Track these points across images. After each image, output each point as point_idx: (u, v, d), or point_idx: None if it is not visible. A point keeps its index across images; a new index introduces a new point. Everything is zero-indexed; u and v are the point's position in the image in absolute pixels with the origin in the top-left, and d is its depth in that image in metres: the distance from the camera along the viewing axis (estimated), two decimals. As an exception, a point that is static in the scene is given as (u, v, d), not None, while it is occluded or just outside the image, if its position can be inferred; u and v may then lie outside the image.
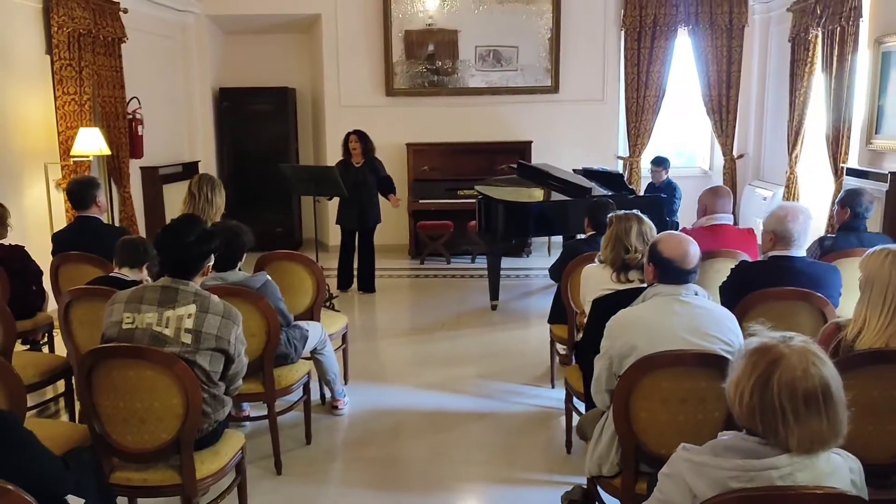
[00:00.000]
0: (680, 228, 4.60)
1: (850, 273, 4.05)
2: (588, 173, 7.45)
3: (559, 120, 9.19)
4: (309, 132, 9.86)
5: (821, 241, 4.29)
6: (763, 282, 3.32)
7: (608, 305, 3.11)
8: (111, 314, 2.65)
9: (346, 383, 4.74)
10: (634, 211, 3.40)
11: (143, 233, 7.64)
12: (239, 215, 9.08)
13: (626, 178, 7.17)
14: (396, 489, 3.50)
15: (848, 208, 4.22)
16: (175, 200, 8.35)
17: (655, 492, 1.71)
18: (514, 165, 7.48)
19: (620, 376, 2.48)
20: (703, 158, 9.90)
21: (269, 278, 3.65)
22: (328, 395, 4.41)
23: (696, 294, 2.57)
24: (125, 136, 7.26)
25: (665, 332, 2.48)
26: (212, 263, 2.82)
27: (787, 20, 8.04)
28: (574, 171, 7.63)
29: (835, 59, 6.89)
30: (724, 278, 3.57)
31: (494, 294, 6.63)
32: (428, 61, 9.09)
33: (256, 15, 9.02)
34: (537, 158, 9.02)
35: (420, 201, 8.80)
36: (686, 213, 8.30)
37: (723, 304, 3.57)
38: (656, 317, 2.53)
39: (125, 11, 7.18)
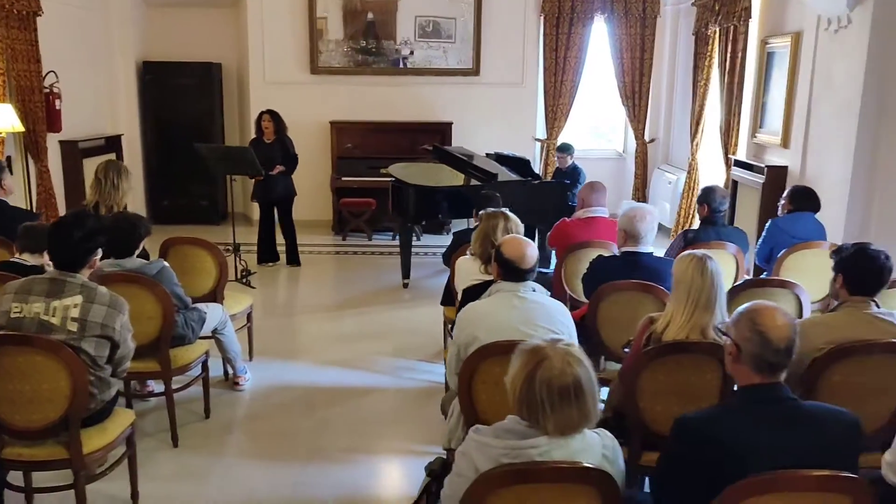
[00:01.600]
0: (560, 220, 4.94)
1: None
2: (500, 158, 7.79)
3: (479, 102, 9.49)
4: (235, 108, 9.93)
5: (685, 234, 4.71)
6: (615, 274, 3.72)
7: (475, 294, 3.46)
8: (0, 304, 2.87)
9: (250, 360, 5.02)
10: (503, 209, 3.73)
11: (61, 206, 7.71)
12: (163, 189, 9.43)
13: (531, 163, 7.51)
14: (282, 459, 3.81)
15: (705, 204, 4.65)
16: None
17: (454, 466, 2.06)
18: (430, 148, 7.75)
19: (464, 362, 2.82)
20: (618, 142, 10.34)
21: (166, 265, 3.88)
22: (231, 371, 4.67)
23: (533, 290, 2.93)
24: (42, 110, 7.27)
25: (503, 324, 2.82)
26: (99, 256, 3.05)
27: (693, 14, 8.46)
28: (487, 154, 7.95)
29: (728, 55, 7.34)
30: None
31: (406, 272, 6.95)
32: (353, 40, 9.25)
33: (180, -12, 9.03)
34: (458, 139, 9.33)
35: (343, 178, 9.02)
36: None
37: (584, 292, 3.98)
38: (497, 310, 2.87)
39: (40, -16, 7.15)
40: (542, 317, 2.87)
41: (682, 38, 9.23)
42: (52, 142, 7.68)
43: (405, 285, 6.93)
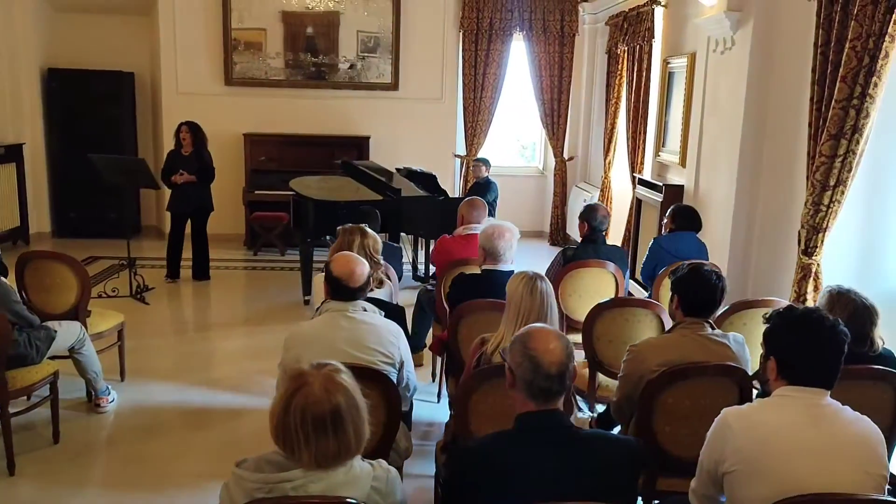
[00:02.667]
0: (440, 237, 4.86)
1: (583, 281, 4.47)
2: (410, 173, 7.71)
3: (399, 117, 9.41)
4: (149, 118, 9.67)
5: (563, 251, 4.68)
6: (477, 292, 3.64)
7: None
8: None
9: (122, 380, 4.81)
10: (361, 225, 3.63)
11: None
12: (70, 201, 9.07)
13: (438, 179, 7.46)
14: (127, 487, 3.62)
15: (586, 222, 4.62)
16: (-7, 181, 8.11)
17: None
18: (339, 162, 7.63)
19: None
20: (539, 159, 10.36)
21: (4, 282, 3.68)
22: (93, 392, 4.45)
23: (364, 310, 2.82)
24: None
25: (329, 345, 2.71)
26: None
27: (608, 33, 8.53)
28: (397, 169, 7.87)
29: (635, 74, 7.40)
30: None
31: (307, 288, 6.78)
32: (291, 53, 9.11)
33: (88, -7, 8.78)
34: (377, 154, 9.24)
35: (255, 192, 8.83)
36: (510, 209, 8.76)
37: (449, 309, 3.89)
38: (323, 331, 2.76)
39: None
40: (371, 338, 2.76)
41: (599, 56, 9.30)
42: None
43: (306, 302, 6.77)
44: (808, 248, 4.19)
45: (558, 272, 4.57)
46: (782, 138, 4.81)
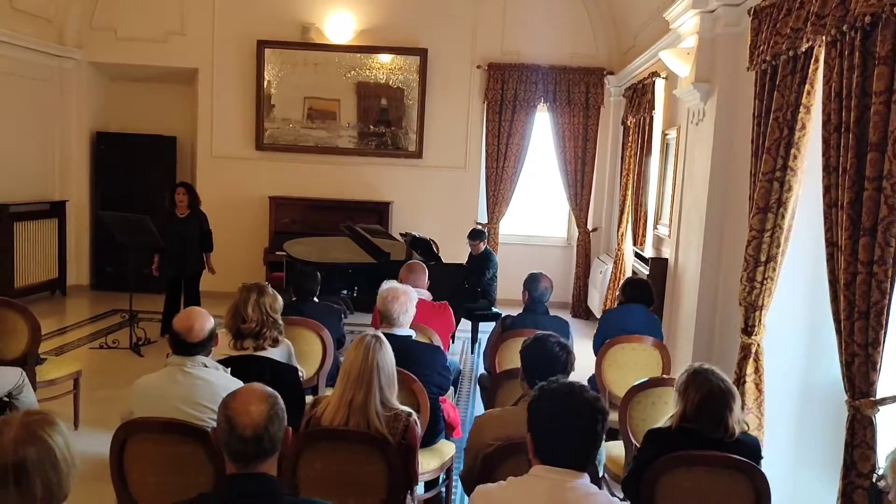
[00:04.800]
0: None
1: (517, 350, 4.34)
2: (414, 239, 7.77)
3: (422, 184, 9.56)
4: (187, 179, 10.13)
5: (503, 319, 4.59)
6: (372, 357, 3.59)
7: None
8: None
9: (76, 428, 4.94)
10: (261, 283, 3.67)
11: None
12: (108, 256, 9.52)
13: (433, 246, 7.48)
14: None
15: (527, 292, 4.52)
16: (34, 236, 8.67)
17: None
18: (342, 226, 7.78)
19: (113, 436, 2.72)
20: (564, 230, 10.24)
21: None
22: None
23: (204, 366, 2.83)
24: (-32, 173, 7.54)
25: (161, 400, 2.73)
26: None
27: (626, 105, 8.48)
28: (401, 234, 7.96)
29: (640, 146, 7.29)
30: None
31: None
32: (299, 122, 9.48)
33: (139, 65, 9.41)
34: (399, 219, 9.41)
35: (277, 253, 9.06)
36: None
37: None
38: (159, 385, 2.78)
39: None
40: (205, 395, 2.76)
41: (619, 128, 9.21)
42: (-18, 203, 7.94)
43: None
44: (748, 326, 3.96)
45: (496, 340, 4.47)
46: (741, 212, 4.61)
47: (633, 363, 4.35)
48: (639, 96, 7.35)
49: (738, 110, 4.74)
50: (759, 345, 3.95)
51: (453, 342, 7.77)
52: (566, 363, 2.72)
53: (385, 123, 9.49)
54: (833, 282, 2.92)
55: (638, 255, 6.68)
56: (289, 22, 9.32)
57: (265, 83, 9.39)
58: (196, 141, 9.78)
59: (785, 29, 3.43)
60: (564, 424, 1.92)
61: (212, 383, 2.81)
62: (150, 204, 9.21)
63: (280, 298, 3.69)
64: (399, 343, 3.60)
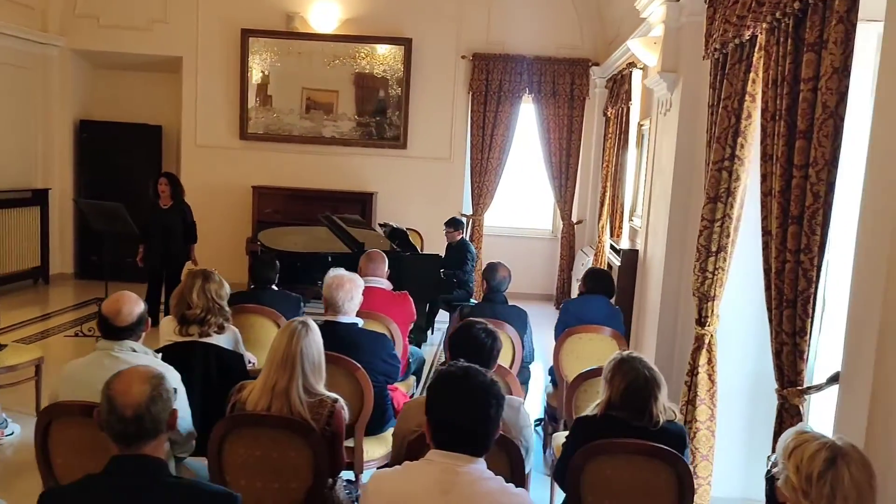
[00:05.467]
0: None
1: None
2: (393, 230, 7.76)
3: (406, 174, 9.53)
4: (172, 169, 10.13)
5: (461, 309, 4.57)
6: (317, 344, 3.58)
7: (166, 356, 3.37)
8: None
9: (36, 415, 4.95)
10: (207, 269, 3.66)
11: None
12: (93, 245, 9.54)
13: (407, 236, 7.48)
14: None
15: (485, 281, 4.51)
16: (15, 224, 8.68)
17: None
18: (322, 217, 7.76)
19: (37, 418, 2.72)
20: (548, 221, 10.21)
21: None
22: (-3, 424, 4.61)
23: (133, 351, 2.82)
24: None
25: (86, 384, 2.71)
26: None
27: (609, 96, 8.44)
28: (381, 225, 7.95)
29: (617, 137, 7.25)
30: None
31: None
32: (297, 113, 9.46)
33: (123, 53, 9.40)
34: (383, 209, 9.41)
35: (258, 242, 9.05)
36: (519, 272, 8.69)
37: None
38: (85, 369, 2.78)
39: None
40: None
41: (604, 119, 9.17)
42: (-38, 191, 7.95)
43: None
44: (702, 317, 3.93)
45: (453, 331, 4.45)
46: (700, 202, 4.58)
47: (589, 353, 4.34)
48: (617, 87, 7.32)
49: (701, 100, 4.69)
50: (712, 335, 3.93)
51: (432, 333, 7.77)
52: (492, 349, 2.71)
53: (380, 113, 9.46)
54: (767, 270, 2.90)
55: (612, 247, 6.65)
56: (274, 11, 9.29)
57: (259, 74, 9.35)
58: (180, 130, 9.77)
59: (732, 17, 3.40)
60: (457, 408, 1.90)
61: (140, 367, 2.79)
62: (134, 193, 9.21)
63: (227, 285, 3.69)
64: (343, 331, 3.61)
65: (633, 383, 2.59)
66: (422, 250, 8.67)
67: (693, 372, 3.96)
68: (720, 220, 3.65)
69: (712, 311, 3.87)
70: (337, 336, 3.55)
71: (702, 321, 3.93)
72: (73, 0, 9.24)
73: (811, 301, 2.62)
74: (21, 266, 8.90)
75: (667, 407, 2.66)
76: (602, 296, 4.61)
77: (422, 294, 6.99)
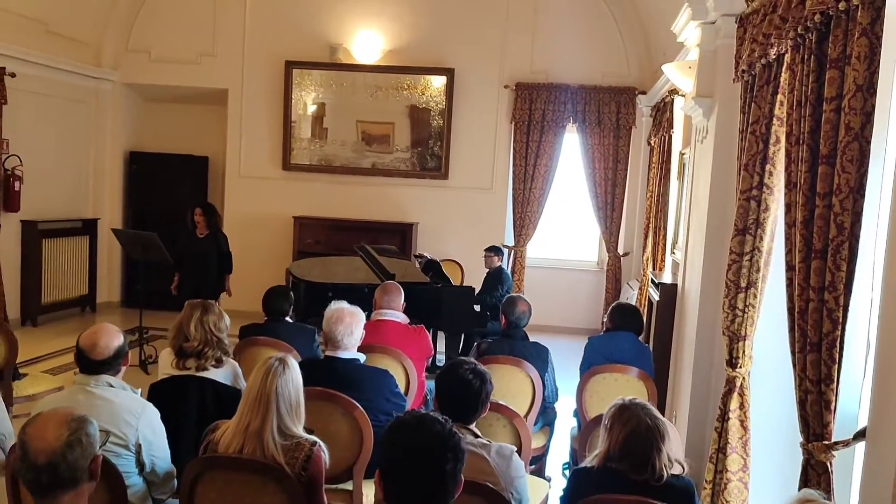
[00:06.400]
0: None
1: (494, 378, 4.12)
2: (428, 262, 7.62)
3: (447, 205, 9.42)
4: (218, 199, 10.25)
5: (478, 344, 4.36)
6: (317, 380, 3.42)
7: (161, 391, 3.29)
8: None
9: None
10: (207, 301, 3.56)
11: (18, 277, 8.13)
12: (139, 274, 9.65)
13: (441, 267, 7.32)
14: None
15: (504, 316, 4.29)
16: (65, 253, 8.87)
17: None
18: (357, 247, 7.67)
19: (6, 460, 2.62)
20: (594, 253, 9.92)
21: None
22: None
23: (109, 386, 2.71)
24: (-2, 190, 7.75)
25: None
26: None
27: (654, 124, 8.17)
28: (415, 256, 7.82)
29: (660, 167, 6.98)
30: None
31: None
32: (322, 139, 9.48)
33: (172, 86, 9.60)
34: (424, 240, 9.29)
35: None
36: (563, 304, 8.53)
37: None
38: (59, 404, 2.66)
39: (12, 76, 7.75)
40: (104, 416, 2.63)
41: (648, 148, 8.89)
42: (14, 221, 8.15)
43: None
44: (733, 358, 3.64)
45: (440, 371, 4.25)
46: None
47: (615, 394, 4.00)
48: (660, 115, 7.07)
49: (736, 126, 4.43)
50: (744, 378, 3.63)
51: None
52: (479, 392, 2.50)
53: (422, 144, 9.39)
54: (790, 310, 2.62)
55: (653, 281, 6.35)
56: (317, 42, 9.36)
57: (313, 106, 9.40)
58: (226, 161, 9.88)
59: (759, 35, 3.16)
60: (408, 464, 1.70)
61: (113, 403, 2.69)
62: (181, 223, 9.33)
63: (226, 317, 3.58)
64: (343, 367, 3.46)
65: (633, 432, 2.34)
66: (462, 282, 8.51)
67: (724, 417, 3.66)
68: (749, 254, 3.37)
69: (743, 351, 3.57)
70: (336, 372, 3.40)
71: (733, 362, 3.64)
72: (125, 35, 9.49)
73: (837, 344, 2.33)
74: (70, 294, 9.06)
75: (673, 459, 2.40)
76: (630, 332, 4.34)
77: (456, 326, 6.83)
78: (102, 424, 2.58)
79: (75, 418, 1.78)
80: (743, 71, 3.44)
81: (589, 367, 4.31)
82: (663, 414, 5.64)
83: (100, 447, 1.81)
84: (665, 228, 6.75)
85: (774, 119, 3.09)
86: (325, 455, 2.56)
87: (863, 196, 2.24)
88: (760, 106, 3.22)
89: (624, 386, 4.10)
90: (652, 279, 6.46)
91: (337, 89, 9.37)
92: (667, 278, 6.37)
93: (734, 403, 3.63)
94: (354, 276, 6.82)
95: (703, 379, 4.63)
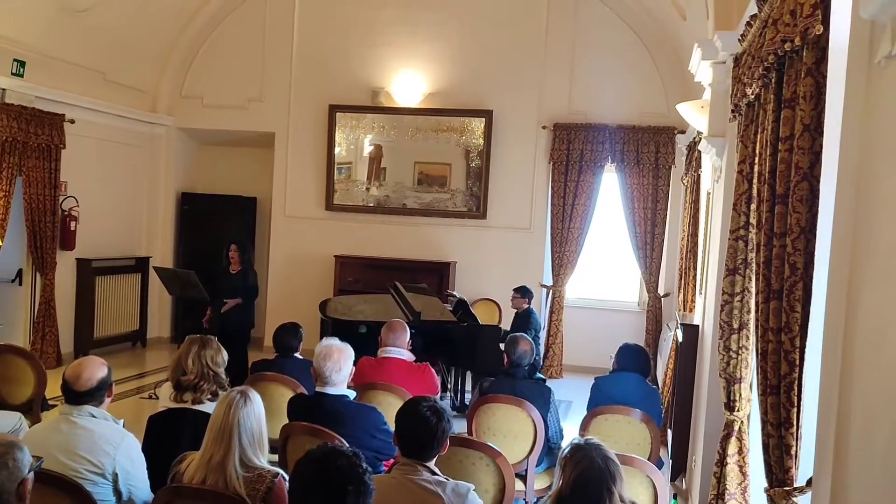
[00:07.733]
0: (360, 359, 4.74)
1: (495, 417, 4.13)
2: (459, 301, 7.66)
3: (485, 244, 9.47)
4: (265, 238, 10.57)
5: (480, 383, 4.36)
6: (305, 415, 3.50)
7: (157, 423, 3.42)
8: None
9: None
10: (206, 336, 3.68)
11: (72, 312, 8.52)
12: (187, 310, 10.00)
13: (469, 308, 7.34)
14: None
15: (506, 355, 4.29)
16: (117, 290, 9.25)
17: None
18: (389, 285, 7.78)
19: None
20: (634, 294, 9.77)
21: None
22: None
23: (92, 416, 2.83)
24: (55, 230, 8.17)
25: (41, 449, 2.72)
26: None
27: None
28: (445, 294, 7.89)
29: (691, 206, 6.88)
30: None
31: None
32: (367, 181, 9.69)
33: (222, 130, 10.01)
34: (461, 279, 9.35)
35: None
36: (600, 345, 8.41)
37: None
38: (41, 432, 2.82)
39: (72, 122, 8.23)
40: (84, 445, 2.76)
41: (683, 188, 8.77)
42: (70, 259, 8.58)
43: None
44: (730, 401, 3.56)
45: (472, 406, 4.26)
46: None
47: (617, 437, 4.02)
48: (690, 154, 6.99)
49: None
50: (742, 422, 3.54)
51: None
52: (436, 430, 2.52)
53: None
54: (757, 351, 2.56)
55: (681, 323, 6.23)
56: (359, 87, 9.62)
57: (370, 147, 9.65)
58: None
59: (743, 76, 3.15)
60: (306, 496, 1.73)
61: (93, 432, 2.80)
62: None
63: (224, 352, 3.69)
64: (330, 403, 3.52)
65: (584, 474, 2.32)
66: (500, 322, 8.51)
67: (722, 462, 3.57)
68: (739, 294, 3.32)
69: (740, 394, 3.50)
70: (324, 408, 3.46)
71: (730, 405, 3.56)
72: (180, 83, 9.96)
73: (795, 387, 2.27)
74: (121, 329, 9.43)
75: (627, 501, 2.36)
76: (636, 374, 4.27)
77: (483, 365, 6.82)
78: (82, 453, 2.72)
79: (3, 444, 1.89)
80: (733, 110, 3.42)
81: (595, 407, 4.26)
82: (684, 458, 5.52)
83: (29, 471, 1.91)
84: (695, 269, 6.62)
85: (758, 158, 3.06)
86: (288, 485, 2.61)
87: (815, 236, 2.20)
88: (746, 145, 3.20)
89: (626, 428, 4.04)
90: (679, 320, 6.34)
91: (388, 132, 9.56)
92: (698, 319, 6.23)
93: (732, 448, 3.54)
94: (389, 314, 6.91)
95: (716, 423, 4.50)
